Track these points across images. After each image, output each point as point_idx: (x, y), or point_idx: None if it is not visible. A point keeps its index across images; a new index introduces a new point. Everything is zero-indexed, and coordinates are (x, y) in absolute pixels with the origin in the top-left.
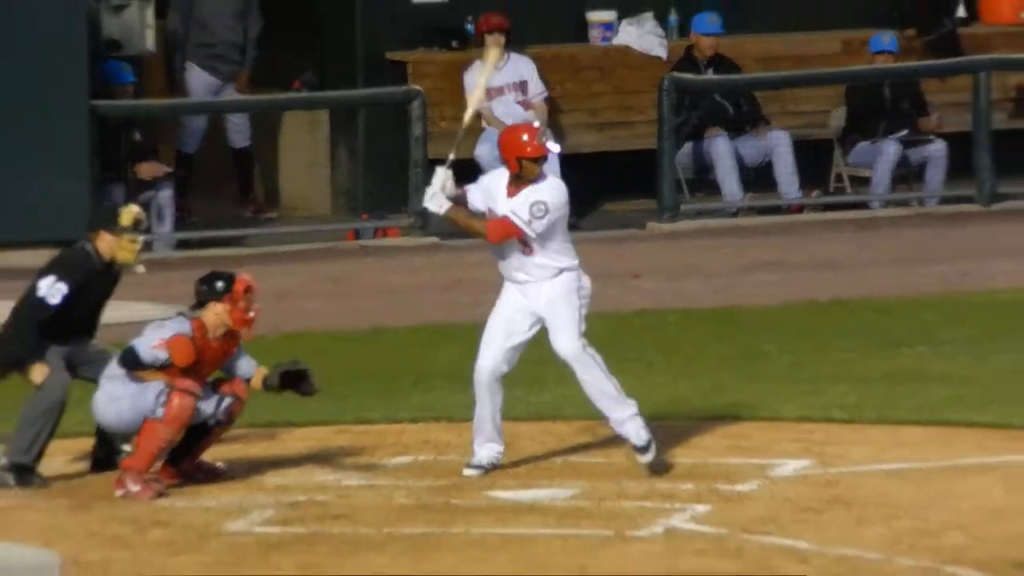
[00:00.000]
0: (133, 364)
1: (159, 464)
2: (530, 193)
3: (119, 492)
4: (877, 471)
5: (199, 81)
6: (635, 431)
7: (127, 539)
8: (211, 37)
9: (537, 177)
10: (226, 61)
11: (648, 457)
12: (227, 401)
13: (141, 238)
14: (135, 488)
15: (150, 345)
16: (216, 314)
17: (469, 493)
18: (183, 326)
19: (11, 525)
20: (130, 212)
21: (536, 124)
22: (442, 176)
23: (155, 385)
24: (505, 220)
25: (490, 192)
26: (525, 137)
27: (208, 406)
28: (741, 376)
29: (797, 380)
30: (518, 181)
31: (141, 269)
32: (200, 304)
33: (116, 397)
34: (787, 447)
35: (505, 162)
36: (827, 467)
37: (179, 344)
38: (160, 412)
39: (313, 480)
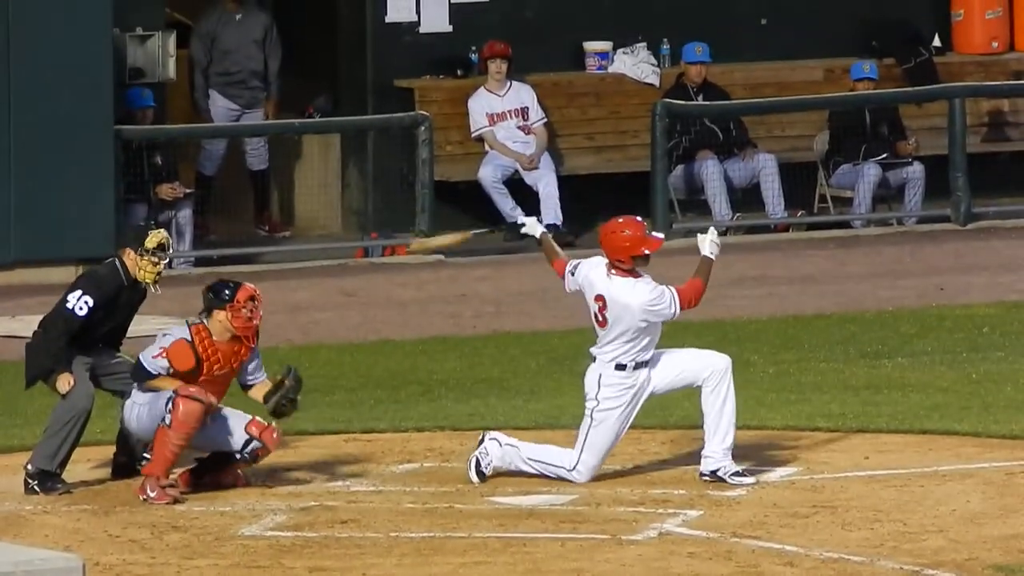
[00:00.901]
0: (142, 377)
1: (180, 471)
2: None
3: (141, 497)
4: (860, 477)
5: (219, 107)
6: (726, 467)
7: (145, 542)
8: (233, 65)
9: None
10: (246, 88)
11: (747, 480)
12: (254, 444)
13: (163, 262)
14: (153, 494)
15: (152, 356)
16: (220, 320)
17: (472, 498)
18: (183, 332)
19: (36, 529)
20: (156, 236)
21: (639, 219)
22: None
23: (166, 393)
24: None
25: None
26: (629, 232)
27: (236, 442)
28: None
29: (782, 390)
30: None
31: (157, 291)
32: (207, 311)
33: (138, 403)
34: (774, 454)
35: (620, 261)
36: (812, 473)
37: (177, 350)
38: (168, 419)
39: (323, 486)
